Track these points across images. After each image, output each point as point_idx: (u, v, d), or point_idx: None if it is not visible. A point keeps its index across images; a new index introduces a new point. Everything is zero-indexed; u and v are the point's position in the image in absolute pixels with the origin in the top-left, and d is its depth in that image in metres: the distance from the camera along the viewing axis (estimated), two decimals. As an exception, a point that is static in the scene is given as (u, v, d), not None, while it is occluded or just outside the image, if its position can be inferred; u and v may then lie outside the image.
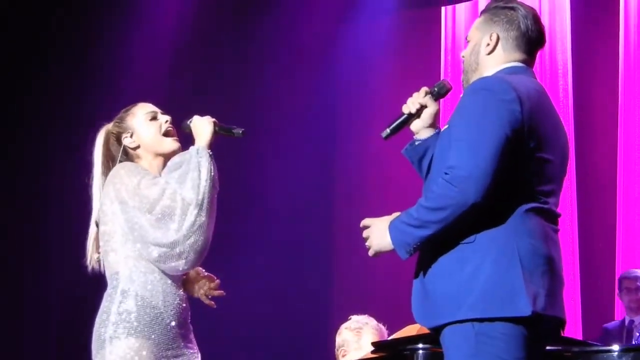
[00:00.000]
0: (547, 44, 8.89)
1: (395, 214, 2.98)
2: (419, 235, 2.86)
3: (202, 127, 3.65)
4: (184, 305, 3.63)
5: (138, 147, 3.72)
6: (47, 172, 8.25)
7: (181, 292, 3.63)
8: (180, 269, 3.54)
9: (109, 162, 3.75)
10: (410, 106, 3.20)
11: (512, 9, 3.11)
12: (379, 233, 2.95)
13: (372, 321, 4.75)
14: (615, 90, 8.28)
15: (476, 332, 2.82)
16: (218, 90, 8.59)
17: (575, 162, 8.30)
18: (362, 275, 8.43)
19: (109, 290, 3.60)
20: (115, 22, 8.44)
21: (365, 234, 3.00)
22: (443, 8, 9.11)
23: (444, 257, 2.89)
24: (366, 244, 3.00)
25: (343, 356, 4.72)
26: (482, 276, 2.83)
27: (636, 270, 7.37)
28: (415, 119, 3.20)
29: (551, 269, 2.90)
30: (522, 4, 3.15)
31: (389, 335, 4.64)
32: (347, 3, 9.20)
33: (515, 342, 2.83)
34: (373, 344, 4.13)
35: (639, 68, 8.24)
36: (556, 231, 3.00)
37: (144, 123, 3.73)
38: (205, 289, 3.82)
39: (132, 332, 3.49)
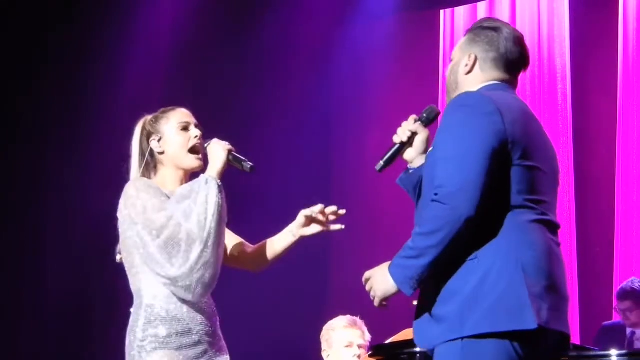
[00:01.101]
0: (545, 48, 8.80)
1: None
2: (420, 265, 2.82)
3: (217, 154, 3.62)
4: (212, 313, 3.62)
5: (163, 153, 3.71)
6: (45, 172, 8.24)
7: (208, 301, 3.63)
8: (186, 297, 3.52)
9: (142, 156, 3.72)
10: (401, 135, 3.19)
11: (495, 30, 3.10)
12: (380, 279, 2.91)
13: (344, 318, 4.89)
14: (614, 94, 8.28)
15: (463, 346, 2.80)
16: (216, 92, 8.57)
17: (574, 166, 8.29)
18: (360, 277, 8.41)
19: (134, 307, 3.61)
20: (112, 26, 8.43)
21: (367, 286, 2.96)
22: (442, 11, 9.10)
23: (447, 278, 2.86)
24: (370, 295, 2.95)
25: (328, 356, 4.90)
26: (486, 291, 2.80)
27: (630, 283, 7.29)
28: (407, 147, 3.18)
29: (553, 284, 2.87)
30: (507, 25, 3.15)
31: (387, 335, 4.65)
32: (346, 5, 9.19)
33: (504, 359, 2.80)
34: (371, 347, 4.13)
35: (638, 72, 8.24)
36: (558, 244, 2.98)
37: (174, 132, 3.70)
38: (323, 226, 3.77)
39: (159, 346, 3.50)
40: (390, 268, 2.89)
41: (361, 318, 5.03)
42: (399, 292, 2.88)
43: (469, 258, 2.83)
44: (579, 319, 8.04)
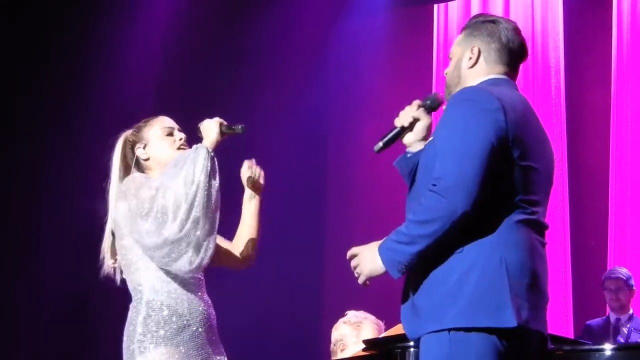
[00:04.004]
0: (539, 42, 8.82)
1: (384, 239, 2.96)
2: (410, 251, 2.84)
3: (208, 128, 3.69)
4: (210, 311, 3.66)
5: (149, 159, 3.76)
6: (43, 172, 8.24)
7: (206, 297, 3.65)
8: (185, 269, 3.53)
9: (125, 169, 3.77)
10: (402, 119, 3.20)
11: (493, 22, 3.12)
12: (368, 258, 2.93)
13: (370, 316, 4.75)
14: (607, 88, 8.29)
15: (451, 339, 2.83)
16: (212, 90, 8.58)
17: (567, 160, 8.30)
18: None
19: (134, 302, 3.62)
20: (110, 27, 8.43)
21: (353, 262, 2.98)
22: (435, 5, 9.11)
23: (431, 268, 2.89)
24: (355, 272, 2.97)
25: (342, 350, 4.69)
26: (469, 286, 2.83)
27: (618, 269, 7.39)
28: (407, 132, 3.19)
29: (535, 283, 2.90)
30: (503, 18, 3.17)
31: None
32: (340, 2, 9.20)
33: (489, 353, 2.83)
34: (364, 341, 4.13)
35: (632, 66, 8.24)
36: (544, 244, 3.00)
37: (159, 137, 3.77)
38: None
39: (160, 341, 3.51)
40: (380, 249, 2.91)
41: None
42: (385, 274, 2.91)
43: (455, 251, 2.86)
44: (572, 313, 8.05)
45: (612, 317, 7.25)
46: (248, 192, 3.97)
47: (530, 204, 2.94)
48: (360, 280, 2.97)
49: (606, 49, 8.33)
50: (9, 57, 8.12)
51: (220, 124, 3.70)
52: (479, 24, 3.13)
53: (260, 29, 8.86)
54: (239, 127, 3.73)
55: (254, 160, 3.96)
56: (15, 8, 8.16)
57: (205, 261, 3.55)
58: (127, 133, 3.82)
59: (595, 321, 7.38)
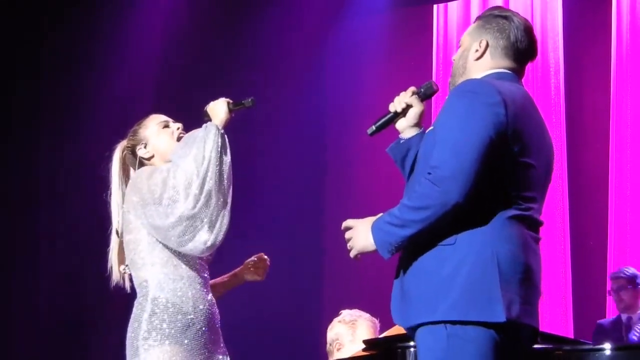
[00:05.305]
0: (539, 42, 8.87)
1: (378, 215, 2.98)
2: (401, 234, 2.87)
3: (217, 108, 3.71)
4: (213, 310, 3.68)
5: (152, 156, 3.78)
6: (39, 173, 8.24)
7: (210, 297, 3.67)
8: (201, 247, 3.54)
9: (126, 176, 3.79)
10: (396, 105, 3.23)
11: (505, 18, 3.13)
12: (362, 234, 2.96)
13: (365, 314, 4.75)
14: (607, 88, 8.29)
15: (448, 333, 2.84)
16: (210, 90, 8.56)
17: (567, 160, 8.30)
18: (353, 272, 8.43)
19: (139, 299, 3.63)
20: (108, 25, 8.43)
21: (347, 235, 3.01)
22: (435, 6, 9.11)
23: (423, 258, 2.91)
24: (348, 245, 3.00)
25: (338, 350, 4.67)
26: (460, 279, 2.84)
27: (624, 269, 7.38)
28: (400, 117, 3.23)
29: (528, 277, 2.91)
30: (517, 15, 3.17)
31: (381, 330, 4.63)
32: (340, 1, 9.20)
33: (486, 347, 2.83)
34: (364, 341, 4.12)
35: (631, 66, 8.25)
36: (537, 240, 3.01)
37: (156, 132, 3.79)
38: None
39: (165, 338, 3.52)
40: (373, 228, 2.94)
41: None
42: (376, 252, 2.93)
43: (448, 242, 2.87)
44: (572, 313, 8.05)
45: (624, 317, 7.24)
46: (241, 271, 4.04)
47: (526, 200, 2.95)
48: (352, 254, 3.00)
49: (606, 49, 8.33)
50: (8, 57, 8.12)
51: (228, 102, 3.72)
52: (492, 17, 3.15)
53: (260, 28, 8.87)
54: (249, 100, 3.75)
55: (267, 261, 4.06)
56: (14, 7, 8.16)
57: (220, 238, 3.58)
58: (123, 142, 3.85)
59: (606, 320, 7.38)
